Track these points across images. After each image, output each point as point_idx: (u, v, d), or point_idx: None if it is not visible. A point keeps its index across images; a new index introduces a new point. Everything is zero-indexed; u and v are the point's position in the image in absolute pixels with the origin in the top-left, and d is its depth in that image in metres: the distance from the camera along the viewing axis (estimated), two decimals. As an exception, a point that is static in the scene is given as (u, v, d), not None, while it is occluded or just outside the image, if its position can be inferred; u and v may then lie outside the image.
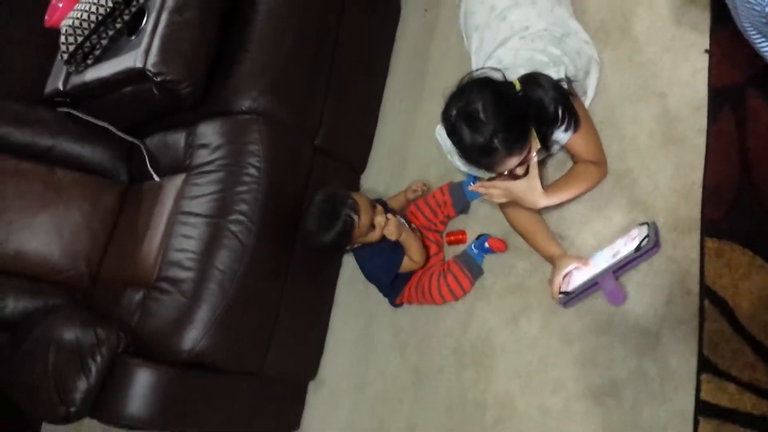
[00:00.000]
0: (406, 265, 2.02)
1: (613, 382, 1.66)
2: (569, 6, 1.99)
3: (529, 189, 1.74)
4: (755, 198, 1.61)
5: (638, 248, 1.62)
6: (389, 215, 2.00)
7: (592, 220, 1.84)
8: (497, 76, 1.69)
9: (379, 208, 2.01)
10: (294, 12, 2.18)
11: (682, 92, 1.80)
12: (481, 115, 1.59)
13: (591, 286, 1.69)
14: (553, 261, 1.78)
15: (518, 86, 1.68)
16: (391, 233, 1.97)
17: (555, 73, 1.74)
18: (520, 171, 1.74)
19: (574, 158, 1.85)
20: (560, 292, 1.73)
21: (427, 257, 2.06)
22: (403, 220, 2.06)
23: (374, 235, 1.98)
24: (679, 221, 1.69)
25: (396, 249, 2.02)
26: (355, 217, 1.91)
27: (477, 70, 1.76)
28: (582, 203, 1.86)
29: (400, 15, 2.69)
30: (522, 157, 1.68)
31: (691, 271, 1.64)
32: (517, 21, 1.85)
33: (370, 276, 2.11)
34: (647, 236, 1.62)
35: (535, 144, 1.70)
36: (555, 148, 1.87)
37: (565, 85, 1.74)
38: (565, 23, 1.89)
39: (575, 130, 1.75)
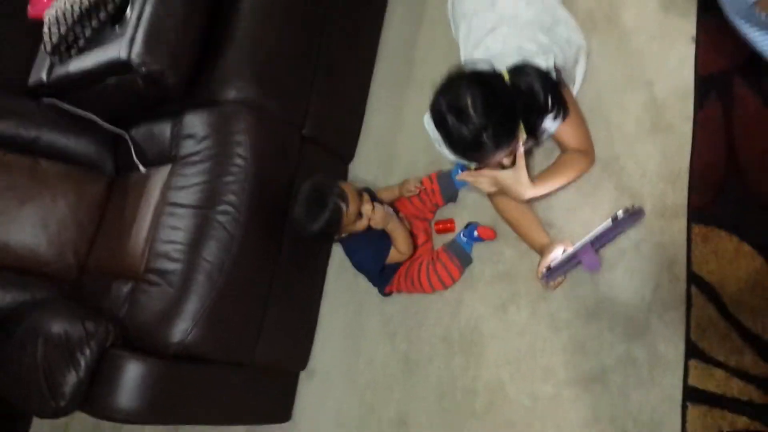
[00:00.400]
0: (393, 256, 2.02)
1: (602, 368, 1.68)
2: None
3: (516, 180, 1.74)
4: (741, 184, 1.63)
5: (615, 218, 1.60)
6: (376, 204, 2.00)
7: (580, 208, 1.85)
8: (486, 68, 1.68)
9: (366, 196, 2.00)
10: (280, 1, 2.15)
11: (670, 80, 1.81)
12: (470, 110, 1.57)
13: (570, 260, 1.69)
14: (541, 250, 1.78)
15: (507, 77, 1.67)
16: (377, 222, 1.97)
17: (544, 62, 1.73)
18: (507, 162, 1.75)
19: (562, 147, 1.85)
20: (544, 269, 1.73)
21: (415, 247, 2.06)
22: (390, 210, 2.06)
23: (361, 224, 1.98)
24: (666, 208, 1.71)
25: (384, 238, 2.01)
26: (343, 206, 1.91)
27: (466, 61, 1.74)
28: (570, 191, 1.87)
29: (387, 2, 2.66)
30: (509, 149, 1.68)
31: (679, 257, 1.66)
32: (506, 9, 1.83)
33: (358, 266, 2.11)
34: (625, 209, 1.60)
35: (522, 136, 1.70)
36: (543, 136, 1.87)
37: (554, 75, 1.74)
38: (554, 11, 1.89)
39: (564, 119, 1.75)
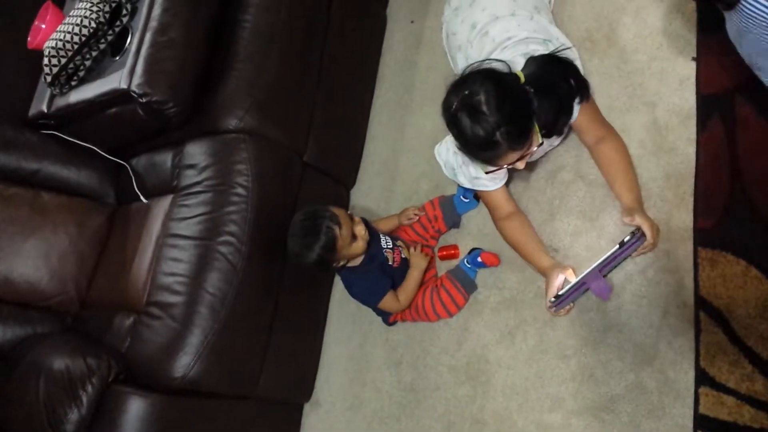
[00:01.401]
0: (388, 302, 1.99)
1: (612, 397, 1.65)
2: (549, 14, 1.98)
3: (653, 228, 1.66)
4: (747, 206, 1.61)
5: (622, 243, 1.60)
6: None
7: (585, 232, 1.83)
8: (501, 67, 1.64)
9: (357, 219, 1.98)
10: (279, 28, 2.15)
11: (671, 101, 1.80)
12: (484, 107, 1.53)
13: (579, 286, 1.67)
14: (544, 273, 1.76)
15: (522, 78, 1.63)
16: (418, 258, 2.01)
17: (545, 51, 1.72)
18: (520, 165, 1.69)
19: (583, 134, 1.81)
20: (552, 297, 1.70)
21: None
22: (390, 241, 2.04)
23: (357, 247, 1.94)
24: (672, 231, 1.69)
25: (382, 278, 1.99)
26: (336, 228, 1.88)
27: (482, 61, 1.69)
28: (574, 215, 1.86)
29: (386, 27, 2.67)
30: (523, 151, 1.63)
31: (686, 282, 1.64)
32: (499, 34, 1.83)
33: (356, 297, 2.08)
34: (632, 232, 1.61)
35: (537, 139, 1.64)
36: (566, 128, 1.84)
37: (564, 56, 1.71)
38: (545, 30, 1.88)
39: (588, 98, 1.71)
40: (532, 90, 1.62)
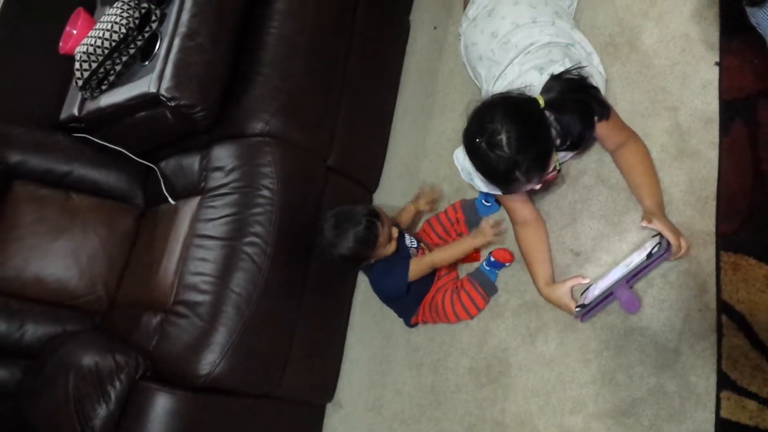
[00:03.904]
0: (415, 267, 1.97)
1: (633, 401, 1.65)
2: (570, 18, 1.99)
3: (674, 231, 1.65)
4: (769, 210, 1.60)
5: (650, 254, 1.61)
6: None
7: (607, 236, 1.83)
8: (520, 96, 1.64)
9: (391, 220, 2.01)
10: (305, 33, 2.19)
11: (694, 105, 1.80)
12: (505, 147, 1.53)
13: (606, 297, 1.68)
14: (540, 292, 1.81)
15: (542, 102, 1.61)
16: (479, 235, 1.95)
17: (561, 66, 1.71)
18: (537, 187, 1.71)
19: (605, 142, 1.81)
20: (577, 306, 1.72)
21: (439, 277, 2.05)
22: (414, 241, 2.06)
23: (391, 248, 1.97)
24: (694, 235, 1.68)
25: (401, 260, 2.00)
26: (379, 224, 1.90)
27: (505, 93, 1.68)
28: (596, 219, 1.86)
29: (409, 32, 2.70)
30: (541, 180, 1.66)
31: (708, 286, 1.63)
32: (521, 41, 1.83)
33: (386, 292, 2.09)
34: (659, 243, 1.61)
35: (555, 165, 1.66)
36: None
37: (579, 71, 1.68)
38: (568, 34, 1.88)
39: (608, 117, 1.69)
40: (552, 115, 1.62)
